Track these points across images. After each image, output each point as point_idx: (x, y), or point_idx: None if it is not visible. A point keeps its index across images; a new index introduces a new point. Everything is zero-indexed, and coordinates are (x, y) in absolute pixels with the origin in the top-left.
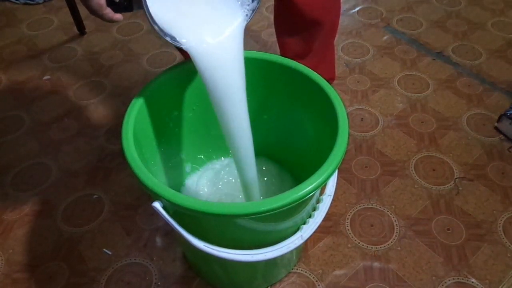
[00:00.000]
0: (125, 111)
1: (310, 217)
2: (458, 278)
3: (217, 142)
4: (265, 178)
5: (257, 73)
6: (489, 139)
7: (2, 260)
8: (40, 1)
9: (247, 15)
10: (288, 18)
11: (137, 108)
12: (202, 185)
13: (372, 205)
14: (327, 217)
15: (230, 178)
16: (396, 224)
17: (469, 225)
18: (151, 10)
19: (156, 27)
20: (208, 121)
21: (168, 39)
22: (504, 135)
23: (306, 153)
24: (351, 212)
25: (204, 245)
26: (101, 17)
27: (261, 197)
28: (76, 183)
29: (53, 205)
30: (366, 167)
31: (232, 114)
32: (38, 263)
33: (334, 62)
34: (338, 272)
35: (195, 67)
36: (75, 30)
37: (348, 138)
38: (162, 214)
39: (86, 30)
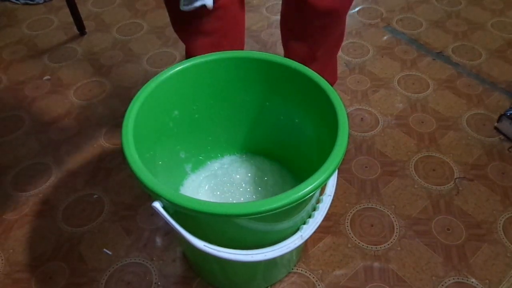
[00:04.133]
0: (125, 111)
1: (310, 217)
2: (458, 278)
3: (217, 142)
4: (265, 178)
5: (257, 73)
6: (489, 139)
7: (2, 260)
8: (40, 1)
9: None
10: (297, 22)
11: (137, 108)
12: (202, 185)
13: (372, 205)
14: (327, 217)
15: (230, 178)
16: (396, 224)
17: (469, 225)
18: None
19: None
20: (208, 120)
21: None
22: (504, 135)
23: (306, 153)
24: (351, 212)
25: (204, 245)
26: None
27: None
28: (76, 183)
29: (53, 205)
30: (366, 167)
31: None
32: (38, 263)
33: (336, 67)
34: (338, 272)
35: None
36: (75, 30)
37: (348, 138)
38: (162, 214)
39: (86, 30)
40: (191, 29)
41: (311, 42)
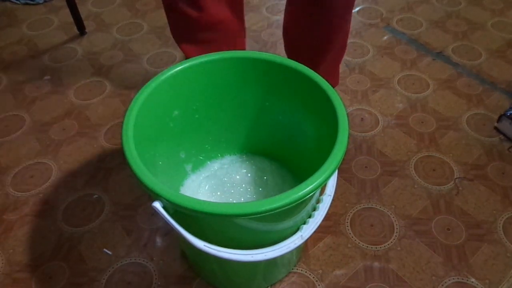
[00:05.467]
0: (125, 111)
1: (310, 217)
2: (458, 278)
3: (217, 142)
4: (265, 178)
5: (257, 73)
6: (489, 139)
7: (2, 260)
8: (41, 1)
9: None
10: (301, 29)
11: (137, 108)
12: (202, 185)
13: (372, 205)
14: (327, 217)
15: (230, 178)
16: (396, 224)
17: (469, 225)
18: None
19: None
20: (208, 120)
21: None
22: (504, 135)
23: (306, 153)
24: (351, 212)
25: (204, 245)
26: None
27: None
28: (76, 183)
29: (53, 205)
30: (366, 167)
31: None
32: (39, 263)
33: (339, 72)
34: (338, 272)
35: None
36: (75, 30)
37: (348, 138)
38: (162, 214)
39: (86, 30)
40: (191, 39)
41: (315, 53)
